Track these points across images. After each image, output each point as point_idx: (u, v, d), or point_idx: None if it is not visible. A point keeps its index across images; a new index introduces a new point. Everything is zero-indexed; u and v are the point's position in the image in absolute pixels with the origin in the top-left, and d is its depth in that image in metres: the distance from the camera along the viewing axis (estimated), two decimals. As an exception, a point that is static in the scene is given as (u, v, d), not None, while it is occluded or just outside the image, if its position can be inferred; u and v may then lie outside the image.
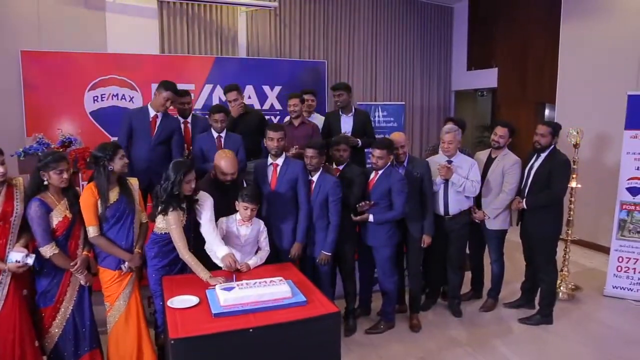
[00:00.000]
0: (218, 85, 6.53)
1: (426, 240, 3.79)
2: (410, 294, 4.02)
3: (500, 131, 4.07)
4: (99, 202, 2.73)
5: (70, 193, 2.77)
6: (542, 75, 7.33)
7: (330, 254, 3.43)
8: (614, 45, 5.85)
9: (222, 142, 3.86)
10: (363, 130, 4.58)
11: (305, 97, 4.63)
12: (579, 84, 6.41)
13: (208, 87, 6.59)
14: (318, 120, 4.81)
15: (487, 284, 4.42)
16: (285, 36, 7.56)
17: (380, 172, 3.58)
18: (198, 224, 2.97)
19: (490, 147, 4.19)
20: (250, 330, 2.22)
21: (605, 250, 5.73)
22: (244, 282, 2.61)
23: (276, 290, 2.50)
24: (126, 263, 2.82)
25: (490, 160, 4.13)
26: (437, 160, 3.95)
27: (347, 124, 4.56)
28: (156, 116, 3.78)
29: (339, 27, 7.96)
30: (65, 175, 2.69)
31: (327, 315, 2.40)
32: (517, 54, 7.82)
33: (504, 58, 8.20)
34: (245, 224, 3.07)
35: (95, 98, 6.07)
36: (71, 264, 2.71)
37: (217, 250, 2.89)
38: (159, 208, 2.85)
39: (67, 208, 2.74)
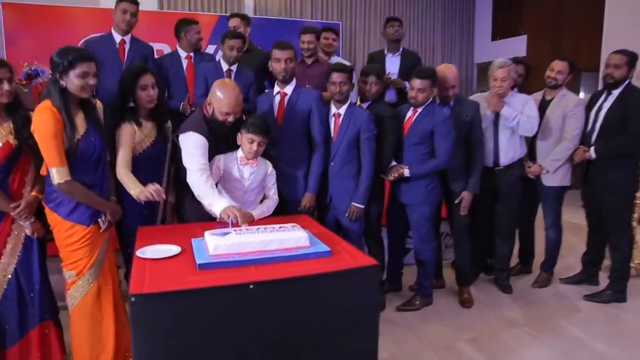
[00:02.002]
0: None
1: (466, 197, 3.04)
2: (457, 264, 3.29)
3: (559, 65, 3.33)
4: (65, 130, 1.93)
5: (18, 115, 2.07)
6: (580, 40, 6.56)
7: (363, 206, 2.71)
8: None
9: (232, 77, 3.16)
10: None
11: (325, 34, 3.92)
12: (629, 45, 5.59)
13: (211, 48, 5.89)
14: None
15: (538, 256, 3.70)
16: (296, -6, 6.89)
17: (419, 109, 2.85)
18: (176, 155, 2.32)
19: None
20: (251, 286, 1.51)
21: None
22: (244, 227, 1.91)
23: (288, 237, 1.78)
24: (102, 216, 2.09)
25: (545, 104, 3.39)
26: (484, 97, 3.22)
27: (393, 64, 3.86)
28: (123, 41, 3.09)
29: (354, -14, 7.26)
30: (5, 87, 2.00)
31: (361, 268, 1.68)
32: (549, 19, 7.04)
33: (533, 24, 7.43)
34: (250, 164, 2.35)
35: (86, 57, 5.42)
36: (12, 205, 2.02)
37: (213, 204, 2.17)
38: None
39: (11, 132, 2.04)
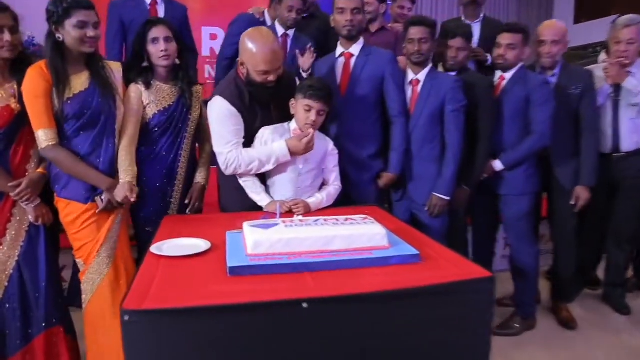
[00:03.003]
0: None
1: (582, 195, 2.38)
2: (557, 273, 2.62)
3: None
4: (53, 90, 1.61)
5: (24, 76, 1.68)
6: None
7: (448, 198, 2.13)
8: None
9: (288, 43, 2.67)
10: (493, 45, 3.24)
11: (400, 2, 3.34)
12: None
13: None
14: None
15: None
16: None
17: (508, 74, 2.26)
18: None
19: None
20: (304, 304, 1.00)
21: None
22: (298, 218, 1.40)
23: (360, 232, 1.25)
24: (104, 194, 1.69)
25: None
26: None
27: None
28: (155, 1, 2.66)
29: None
30: (6, 37, 1.61)
31: (469, 282, 1.12)
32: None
33: (628, 2, 6.43)
34: None
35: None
36: (10, 184, 1.63)
37: (255, 196, 1.86)
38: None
39: (14, 96, 1.66)
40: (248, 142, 1.84)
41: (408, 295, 1.06)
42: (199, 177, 2.00)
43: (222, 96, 1.79)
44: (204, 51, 4.44)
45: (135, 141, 1.80)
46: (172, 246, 1.32)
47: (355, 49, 2.13)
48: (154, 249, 1.28)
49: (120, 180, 1.71)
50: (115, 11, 2.65)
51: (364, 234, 1.25)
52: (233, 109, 1.78)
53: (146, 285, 1.05)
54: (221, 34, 5.29)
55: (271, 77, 1.77)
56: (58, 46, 1.61)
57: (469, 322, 1.12)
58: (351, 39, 2.11)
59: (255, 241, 1.18)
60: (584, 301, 2.85)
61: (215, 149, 1.82)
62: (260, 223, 1.31)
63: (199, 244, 1.33)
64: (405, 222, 2.12)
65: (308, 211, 1.78)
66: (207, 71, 4.34)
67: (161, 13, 2.70)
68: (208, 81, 4.08)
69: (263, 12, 2.88)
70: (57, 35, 1.59)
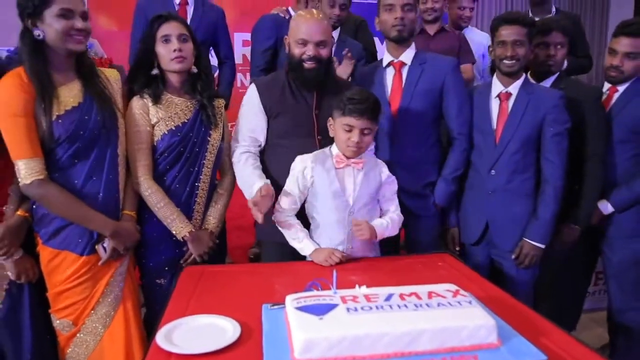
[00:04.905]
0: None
1: None
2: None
3: None
4: (36, 104, 1.23)
5: None
6: None
7: (543, 246, 1.69)
8: None
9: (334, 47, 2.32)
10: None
11: (463, 2, 2.92)
12: None
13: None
14: (478, 39, 3.00)
15: None
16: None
17: (622, 87, 1.81)
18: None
19: None
20: None
21: None
22: (361, 292, 0.99)
23: (457, 323, 0.85)
24: (106, 241, 1.33)
25: None
26: None
27: None
28: (185, 1, 2.33)
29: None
30: None
31: None
32: None
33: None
34: (352, 165, 1.47)
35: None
36: None
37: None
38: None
39: None
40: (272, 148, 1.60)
41: None
42: (207, 221, 1.55)
43: (255, 82, 1.61)
44: (237, 59, 4.16)
45: (151, 171, 1.45)
46: (186, 331, 0.94)
47: (407, 56, 1.72)
48: (161, 338, 0.91)
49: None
50: (141, 12, 2.30)
51: (463, 325, 0.85)
52: (256, 101, 1.56)
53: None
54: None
55: (310, 52, 1.49)
56: (38, 47, 1.24)
57: None
58: (402, 42, 1.70)
59: (307, 342, 0.79)
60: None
61: (232, 141, 1.61)
62: (310, 301, 0.92)
63: (223, 327, 0.95)
64: (483, 271, 1.71)
65: (373, 237, 1.41)
66: (240, 80, 4.04)
67: (191, 12, 2.38)
68: (241, 90, 3.77)
69: (287, 10, 2.51)
70: (35, 32, 1.23)
